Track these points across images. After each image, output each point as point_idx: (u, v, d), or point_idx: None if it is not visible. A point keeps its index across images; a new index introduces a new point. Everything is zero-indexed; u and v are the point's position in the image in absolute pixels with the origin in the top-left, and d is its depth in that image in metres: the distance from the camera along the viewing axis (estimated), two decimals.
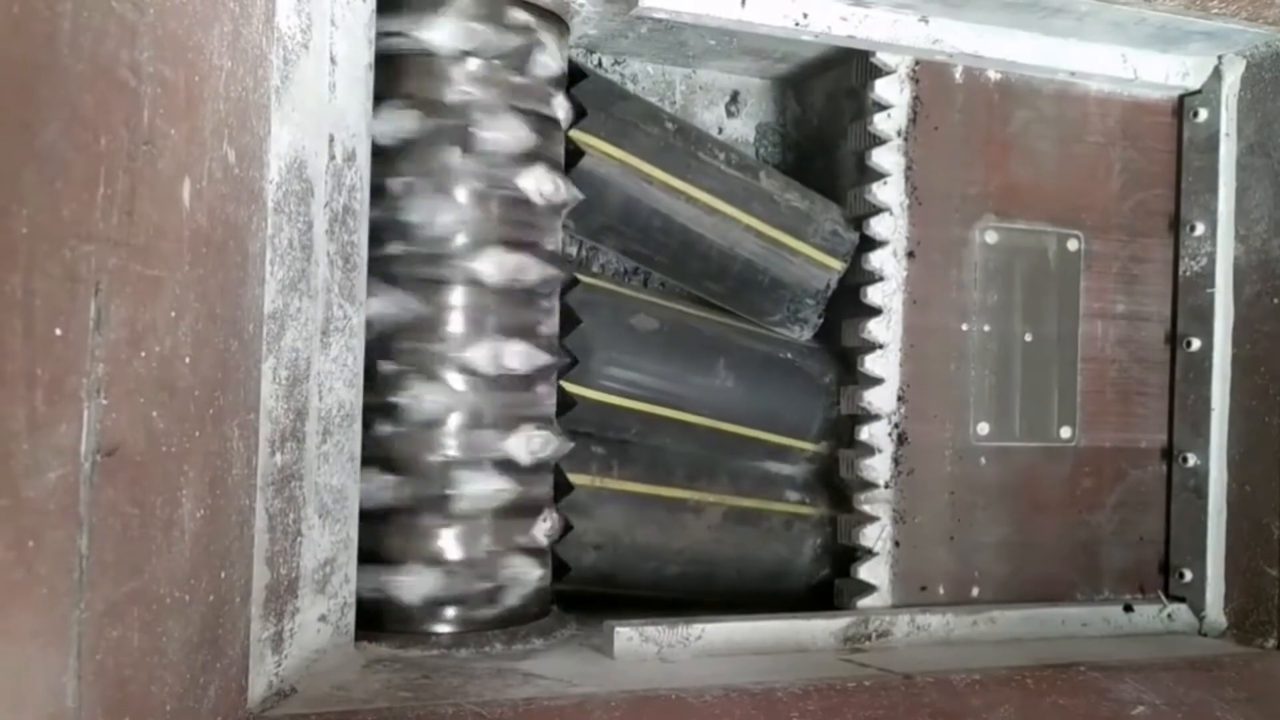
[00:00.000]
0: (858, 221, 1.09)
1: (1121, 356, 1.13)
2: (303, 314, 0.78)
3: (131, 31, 0.50)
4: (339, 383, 0.83)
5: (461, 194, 0.92)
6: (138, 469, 0.52)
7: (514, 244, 0.93)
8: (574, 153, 1.03)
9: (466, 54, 0.92)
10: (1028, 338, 1.10)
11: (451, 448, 0.91)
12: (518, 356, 0.93)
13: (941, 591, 1.06)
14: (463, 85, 0.92)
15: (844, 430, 1.11)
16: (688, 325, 1.10)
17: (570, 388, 1.03)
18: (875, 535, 1.04)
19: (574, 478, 1.03)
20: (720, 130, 1.26)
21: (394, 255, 0.91)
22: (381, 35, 0.90)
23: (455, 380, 0.91)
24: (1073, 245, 1.11)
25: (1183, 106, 1.14)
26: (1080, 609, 1.08)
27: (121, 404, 0.50)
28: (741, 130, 1.27)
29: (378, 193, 0.91)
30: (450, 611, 0.92)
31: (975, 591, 1.07)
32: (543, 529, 0.96)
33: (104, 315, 0.48)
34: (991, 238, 1.08)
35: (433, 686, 0.80)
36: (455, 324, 0.92)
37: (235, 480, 0.66)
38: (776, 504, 1.11)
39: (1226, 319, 1.10)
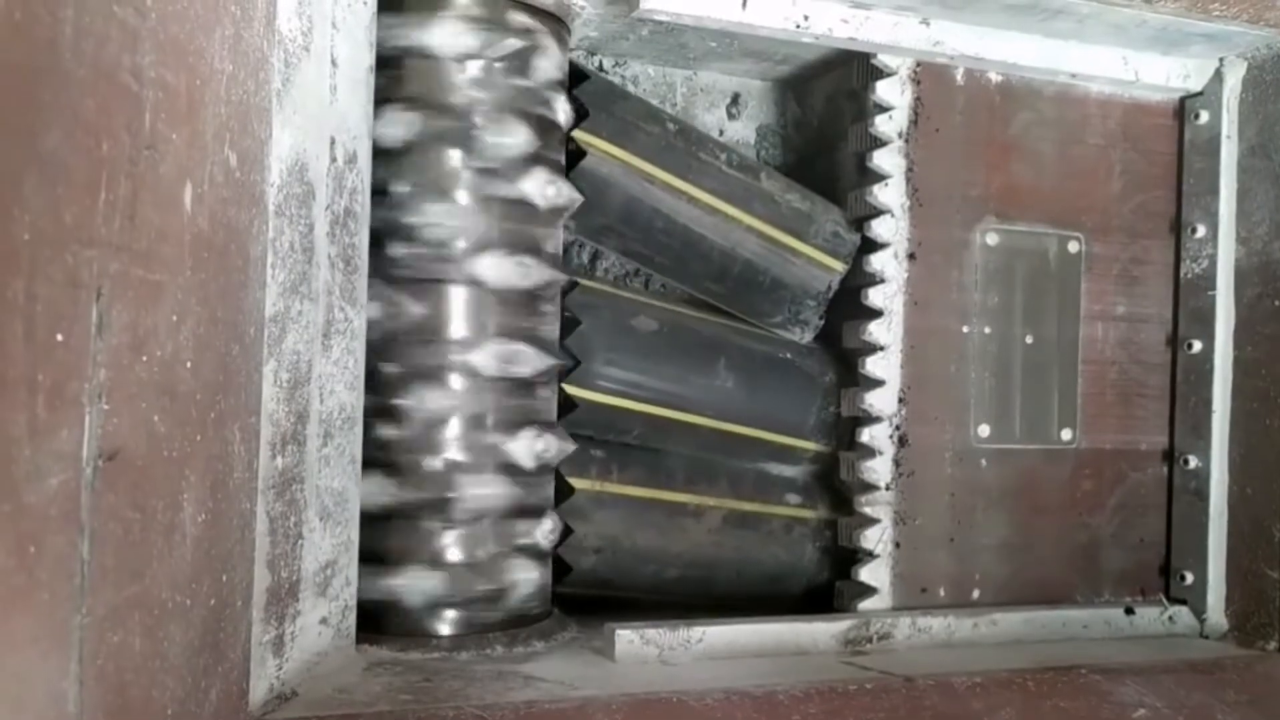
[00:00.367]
0: (858, 223, 1.09)
1: (1122, 359, 1.13)
2: (304, 317, 0.78)
3: (133, 36, 0.50)
4: (340, 385, 0.83)
5: (463, 197, 0.92)
6: (139, 473, 0.52)
7: (515, 247, 0.93)
8: (575, 154, 1.03)
9: (467, 56, 0.92)
10: (1028, 340, 1.10)
11: (453, 450, 0.91)
12: (520, 359, 0.93)
13: (942, 593, 1.06)
14: (464, 88, 0.92)
15: (844, 432, 1.10)
16: (687, 327, 1.10)
17: (571, 390, 1.03)
18: (876, 537, 1.04)
19: (574, 481, 1.03)
20: (721, 132, 1.26)
21: (395, 258, 0.91)
22: (382, 37, 0.90)
23: (457, 383, 0.91)
24: (1073, 247, 1.11)
25: (1184, 108, 1.14)
26: (1081, 611, 1.08)
27: (123, 409, 0.50)
28: (743, 132, 1.27)
29: (379, 195, 0.91)
30: (452, 614, 0.92)
31: (976, 594, 1.07)
32: (544, 532, 0.96)
33: (106, 320, 0.48)
34: (992, 239, 1.08)
35: (434, 689, 0.80)
36: (456, 326, 0.92)
37: (236, 484, 0.66)
38: (776, 507, 1.11)
39: (1228, 321, 1.10)
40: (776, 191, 1.12)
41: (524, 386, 0.94)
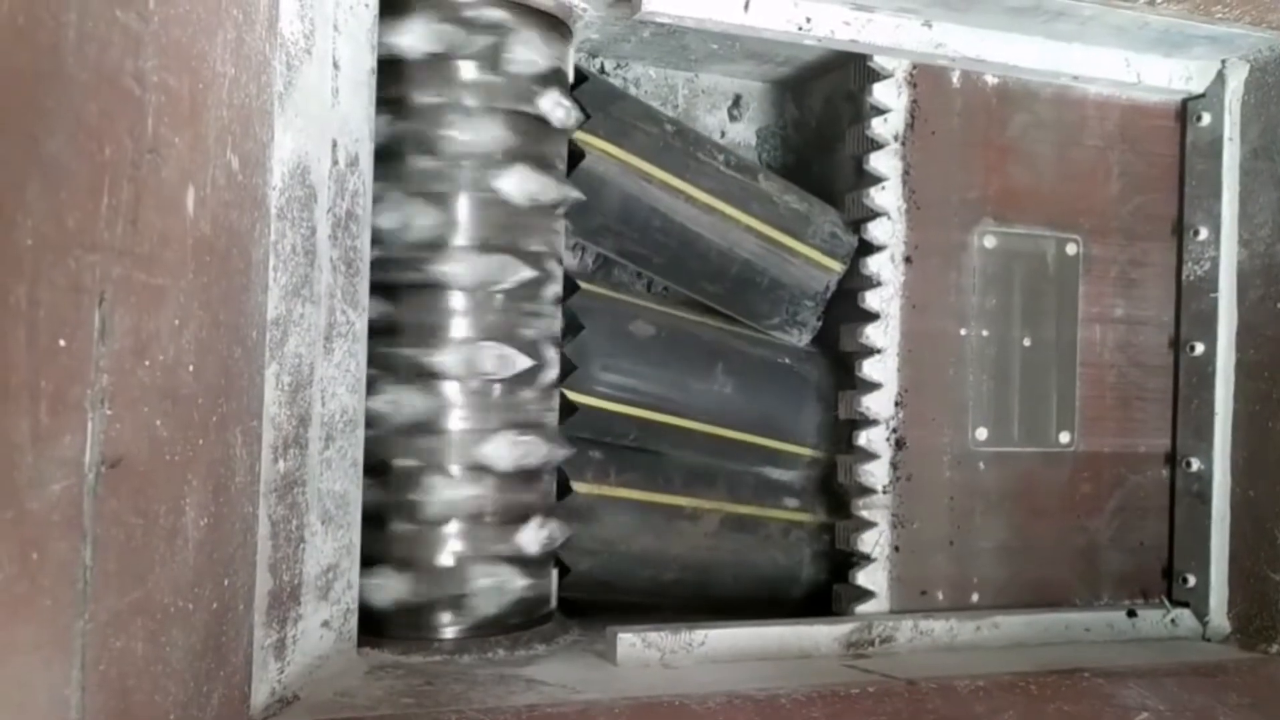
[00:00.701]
0: (856, 226, 1.09)
1: (1120, 361, 1.13)
2: (306, 320, 0.77)
3: (136, 40, 0.50)
4: (342, 388, 0.83)
5: (434, 197, 0.91)
6: (141, 479, 0.52)
7: (491, 246, 0.92)
8: (577, 155, 1.03)
9: (435, 55, 0.92)
10: (1026, 342, 1.10)
11: (426, 454, 0.91)
12: (492, 361, 0.92)
13: (940, 597, 1.06)
14: (431, 86, 0.92)
15: (842, 435, 1.10)
16: (685, 330, 1.10)
17: (569, 394, 1.02)
18: (873, 541, 1.04)
19: (571, 484, 1.02)
20: (723, 134, 1.26)
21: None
22: None
23: (430, 385, 0.91)
24: (1071, 249, 1.11)
25: (1186, 110, 1.14)
26: (1083, 614, 1.08)
27: (125, 414, 0.50)
28: (744, 134, 1.27)
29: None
30: (446, 617, 0.92)
31: (974, 597, 1.07)
32: (533, 535, 0.95)
33: (108, 325, 0.48)
34: (990, 242, 1.08)
35: (435, 693, 0.80)
36: (428, 328, 0.91)
37: (238, 487, 0.66)
38: (774, 511, 1.11)
39: (1230, 323, 1.10)
40: (774, 192, 1.12)
41: (503, 388, 0.93)
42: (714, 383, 1.09)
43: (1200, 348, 1.12)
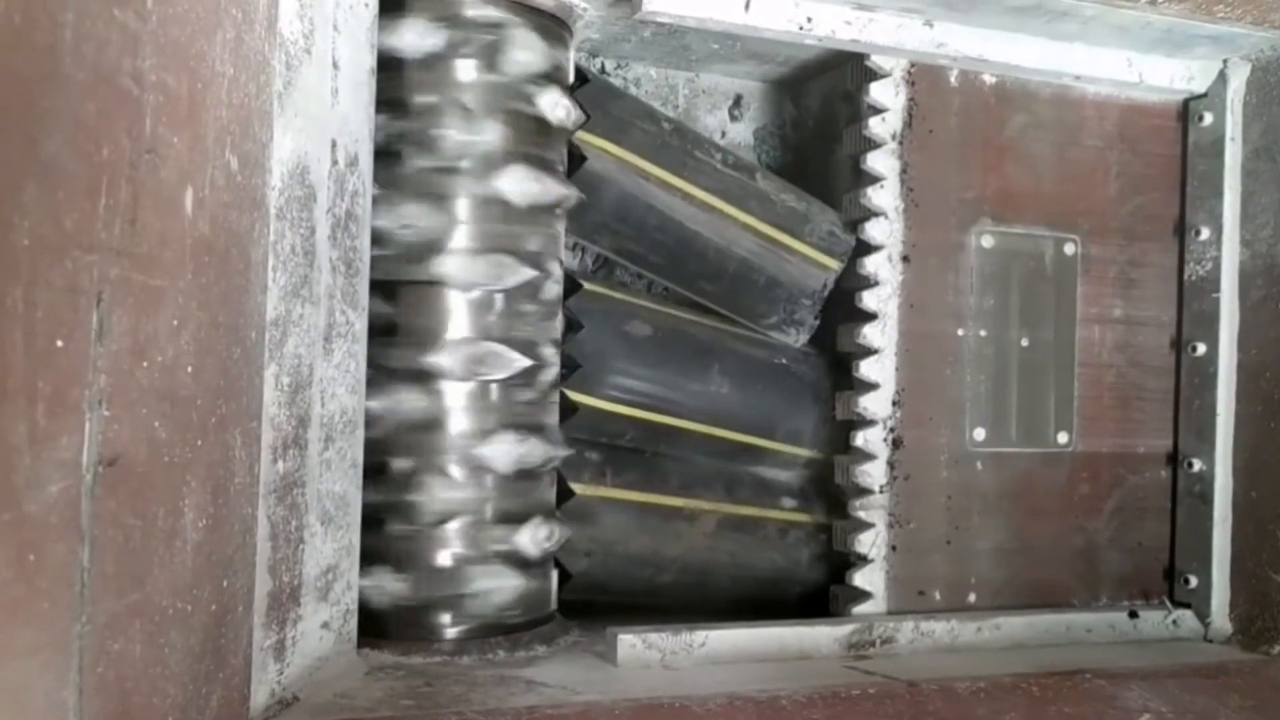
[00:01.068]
0: (853, 225, 1.09)
1: (1119, 361, 1.13)
2: (305, 320, 0.77)
3: (134, 40, 0.50)
4: (341, 389, 0.83)
5: (433, 197, 0.91)
6: (140, 480, 0.52)
7: (490, 246, 0.92)
8: (578, 156, 1.03)
9: (434, 55, 0.91)
10: (1024, 342, 1.09)
11: (425, 454, 0.91)
12: (491, 361, 0.92)
13: (937, 597, 1.05)
14: (431, 86, 0.91)
15: (839, 436, 1.10)
16: (682, 330, 1.10)
17: (569, 394, 1.02)
18: (871, 541, 1.03)
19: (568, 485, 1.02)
20: (723, 134, 1.26)
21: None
22: None
23: (429, 386, 0.91)
24: (1069, 249, 1.11)
25: (1187, 110, 1.14)
26: (1084, 615, 1.07)
27: (123, 415, 0.50)
28: (743, 134, 1.27)
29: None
30: (445, 618, 0.91)
31: (972, 597, 1.07)
32: (532, 536, 0.95)
33: (106, 326, 0.48)
34: (988, 242, 1.08)
35: (435, 694, 0.80)
36: (428, 328, 0.91)
37: (237, 489, 0.66)
38: (771, 511, 1.11)
39: (1232, 324, 1.10)
40: (772, 191, 1.11)
41: (500, 388, 0.93)
42: (712, 383, 1.09)
43: (1202, 348, 1.11)
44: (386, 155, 0.91)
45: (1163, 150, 1.14)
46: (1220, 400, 1.10)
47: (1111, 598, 1.12)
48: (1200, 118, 1.13)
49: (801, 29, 0.99)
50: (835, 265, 1.11)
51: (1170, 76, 1.11)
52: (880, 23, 1.01)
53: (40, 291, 0.43)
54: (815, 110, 1.23)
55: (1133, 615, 1.09)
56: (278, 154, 0.73)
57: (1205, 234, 1.12)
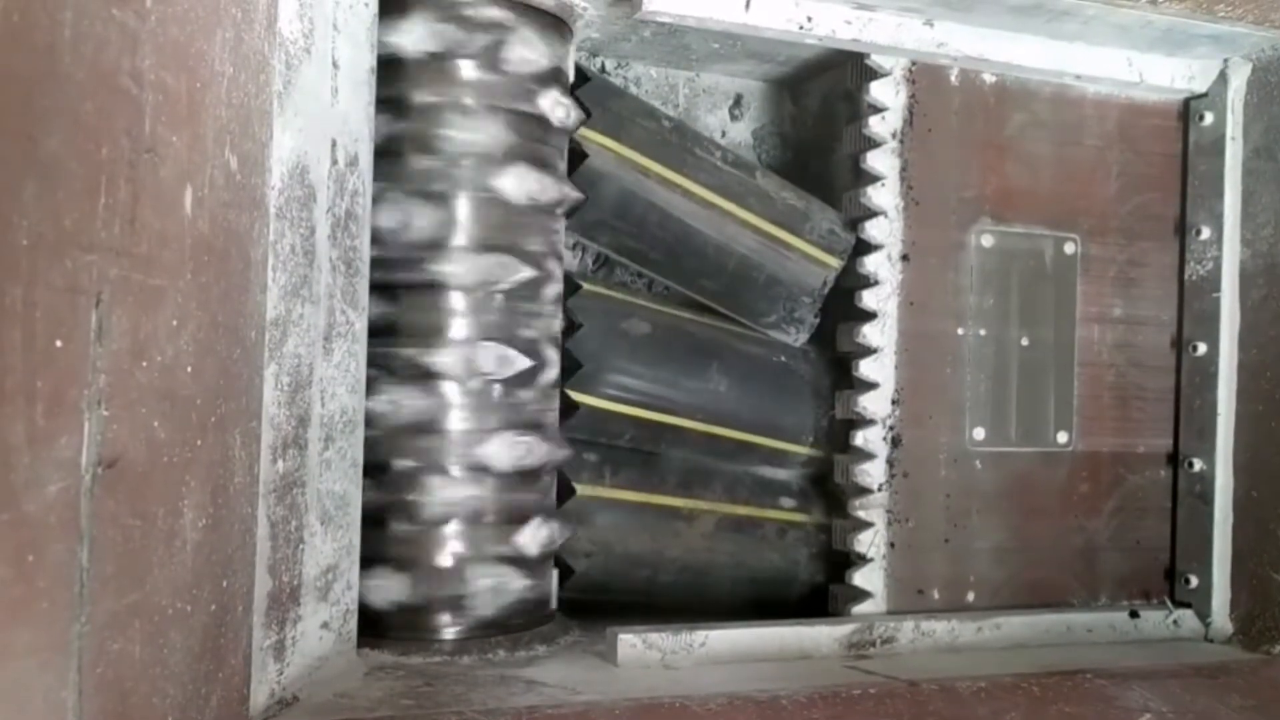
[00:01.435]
0: (853, 224, 1.09)
1: (1119, 361, 1.13)
2: (305, 320, 0.77)
3: (133, 39, 0.50)
4: (341, 389, 0.83)
5: (433, 196, 0.91)
6: (139, 480, 0.52)
7: (490, 246, 0.92)
8: (579, 155, 1.03)
9: (434, 54, 0.91)
10: (1024, 342, 1.09)
11: (425, 454, 0.91)
12: (492, 361, 0.92)
13: (936, 596, 1.05)
14: (431, 85, 0.91)
15: (838, 435, 1.10)
16: (682, 329, 1.10)
17: (570, 394, 1.02)
18: (870, 540, 1.03)
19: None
20: (724, 134, 1.26)
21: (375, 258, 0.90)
22: None
23: (429, 385, 0.91)
24: (1069, 248, 1.11)
25: (1188, 110, 1.14)
26: (1085, 615, 1.07)
27: (123, 415, 0.50)
28: (743, 134, 1.27)
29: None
30: (445, 618, 0.91)
31: (970, 596, 1.06)
32: (533, 536, 0.95)
33: (105, 326, 0.48)
34: (987, 241, 1.08)
35: (435, 694, 0.80)
36: (428, 328, 0.91)
37: (237, 489, 0.66)
38: (770, 511, 1.11)
39: (1233, 323, 1.10)
40: (772, 188, 1.11)
41: (502, 389, 0.93)
42: (711, 381, 1.09)
43: (1203, 348, 1.11)
44: (387, 154, 0.91)
45: (1163, 150, 1.14)
46: (1221, 400, 1.09)
47: (1112, 597, 1.12)
48: (1201, 117, 1.12)
49: (801, 29, 0.99)
50: (835, 263, 1.11)
51: (1171, 76, 1.11)
52: (880, 22, 1.01)
53: (40, 291, 0.43)
54: (815, 109, 1.23)
55: (1133, 615, 1.09)
56: (277, 153, 0.73)
57: (1206, 233, 1.11)
